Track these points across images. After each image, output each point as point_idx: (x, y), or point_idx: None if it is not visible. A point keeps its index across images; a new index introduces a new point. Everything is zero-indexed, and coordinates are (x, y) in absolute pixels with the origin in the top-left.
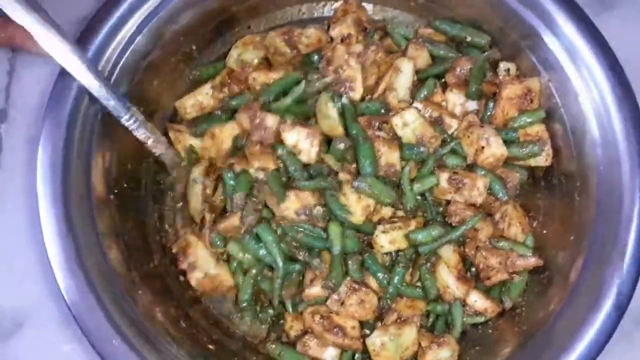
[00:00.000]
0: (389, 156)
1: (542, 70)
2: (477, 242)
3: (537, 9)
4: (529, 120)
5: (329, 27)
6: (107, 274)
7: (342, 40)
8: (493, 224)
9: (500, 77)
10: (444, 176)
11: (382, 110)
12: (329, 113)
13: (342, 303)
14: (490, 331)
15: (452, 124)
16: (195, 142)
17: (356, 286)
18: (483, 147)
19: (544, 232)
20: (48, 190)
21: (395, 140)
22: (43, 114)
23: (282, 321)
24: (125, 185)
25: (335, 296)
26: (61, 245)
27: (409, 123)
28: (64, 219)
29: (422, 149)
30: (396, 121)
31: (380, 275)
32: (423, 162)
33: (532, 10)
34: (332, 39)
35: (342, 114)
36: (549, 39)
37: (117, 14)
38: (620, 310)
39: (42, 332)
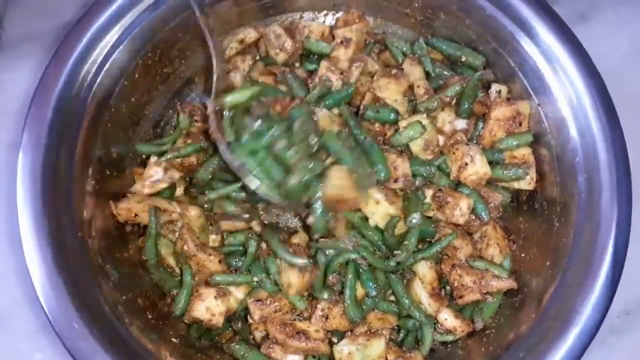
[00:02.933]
0: (404, 166)
1: (533, 95)
2: (454, 260)
3: (534, 36)
4: (515, 142)
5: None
6: (84, 274)
7: (342, 42)
8: (472, 243)
9: (491, 98)
10: (428, 192)
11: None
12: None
13: (327, 317)
14: (458, 350)
15: (439, 141)
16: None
17: (337, 298)
18: (467, 164)
19: (522, 255)
20: (28, 197)
21: (405, 152)
22: (25, 118)
23: (249, 321)
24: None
25: (319, 312)
26: (40, 252)
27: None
28: (44, 225)
29: (432, 169)
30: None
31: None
32: (414, 176)
33: (528, 36)
34: (333, 37)
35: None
36: (542, 66)
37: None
38: (588, 337)
39: (12, 340)
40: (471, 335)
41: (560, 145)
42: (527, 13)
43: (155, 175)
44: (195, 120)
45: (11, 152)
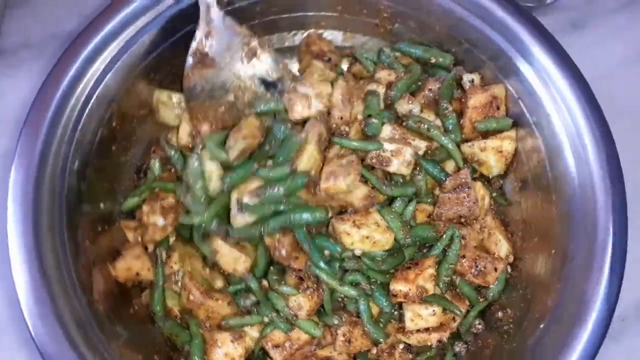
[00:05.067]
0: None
1: (526, 112)
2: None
3: (513, 39)
4: (494, 125)
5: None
6: (72, 292)
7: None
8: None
9: (466, 89)
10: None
11: None
12: None
13: (349, 341)
14: (480, 350)
15: (421, 146)
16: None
17: (356, 319)
18: None
19: (524, 245)
20: (18, 214)
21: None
22: (20, 128)
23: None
24: (101, 205)
25: (341, 337)
26: (29, 275)
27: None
28: (34, 246)
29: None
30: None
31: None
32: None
33: (514, 45)
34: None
35: None
36: (524, 67)
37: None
38: (605, 321)
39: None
40: (490, 332)
41: (547, 138)
42: (502, 15)
43: (158, 222)
44: (169, 169)
45: (6, 160)
